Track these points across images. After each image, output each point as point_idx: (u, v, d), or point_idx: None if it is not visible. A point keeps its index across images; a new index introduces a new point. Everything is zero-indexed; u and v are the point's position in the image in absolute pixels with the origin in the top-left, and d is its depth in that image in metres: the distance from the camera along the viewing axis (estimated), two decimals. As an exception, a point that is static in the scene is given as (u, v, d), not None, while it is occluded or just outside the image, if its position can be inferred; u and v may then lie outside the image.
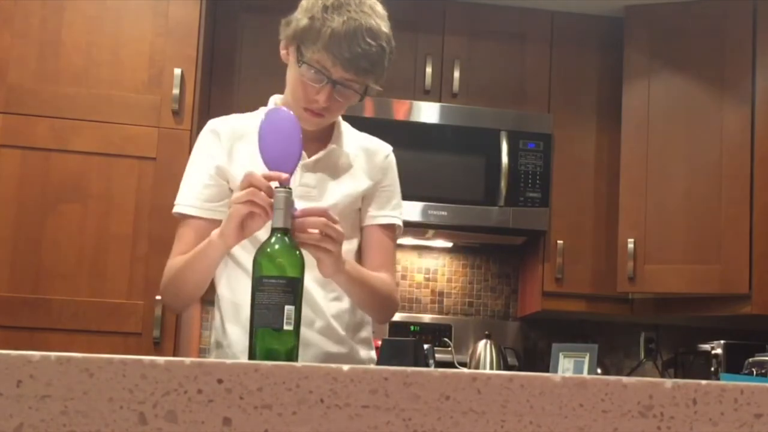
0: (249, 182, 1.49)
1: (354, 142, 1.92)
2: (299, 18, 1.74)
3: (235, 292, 1.83)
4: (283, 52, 1.80)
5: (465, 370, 0.79)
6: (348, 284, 1.71)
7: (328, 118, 1.82)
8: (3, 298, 2.98)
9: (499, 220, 3.50)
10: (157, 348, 3.02)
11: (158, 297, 3.03)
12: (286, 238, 1.40)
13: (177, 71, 3.12)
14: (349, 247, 1.83)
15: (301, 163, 1.83)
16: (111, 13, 3.15)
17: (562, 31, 3.68)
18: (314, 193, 1.82)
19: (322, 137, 1.87)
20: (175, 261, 1.80)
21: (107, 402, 0.74)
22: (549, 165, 3.56)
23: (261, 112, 1.89)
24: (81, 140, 3.07)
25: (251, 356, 1.35)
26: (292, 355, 1.36)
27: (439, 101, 3.54)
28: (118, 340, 3.01)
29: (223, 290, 1.88)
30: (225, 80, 3.47)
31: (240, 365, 0.76)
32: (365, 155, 1.91)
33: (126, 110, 3.11)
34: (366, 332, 1.90)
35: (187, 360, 0.76)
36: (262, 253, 1.38)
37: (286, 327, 1.33)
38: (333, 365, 0.79)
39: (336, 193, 1.84)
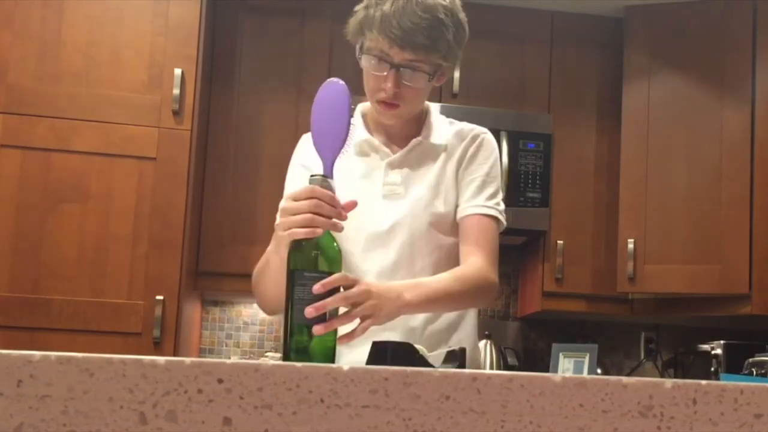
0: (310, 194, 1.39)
1: (445, 132, 1.83)
2: (356, 12, 1.71)
3: None
4: (358, 55, 1.74)
5: (465, 370, 0.79)
6: (418, 311, 1.66)
7: (404, 109, 1.74)
8: (3, 298, 2.98)
9: (499, 220, 3.49)
10: (157, 348, 3.02)
11: (159, 297, 3.03)
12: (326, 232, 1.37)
13: (177, 71, 3.12)
14: (444, 242, 1.79)
15: (386, 161, 1.80)
16: (111, 13, 3.15)
17: (562, 31, 3.68)
18: (400, 190, 1.78)
19: (411, 132, 1.81)
20: (257, 266, 1.72)
21: (107, 402, 0.74)
22: (549, 165, 3.56)
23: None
24: (81, 140, 3.07)
25: (289, 352, 1.31)
26: (331, 353, 1.33)
27: (440, 101, 3.53)
28: (118, 340, 3.01)
29: None
30: (225, 80, 3.47)
31: (240, 365, 0.76)
32: (456, 142, 1.82)
33: (126, 110, 3.11)
34: (457, 335, 1.81)
35: (187, 360, 0.76)
36: (299, 247, 1.35)
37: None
38: (333, 365, 0.79)
39: (422, 187, 1.79)
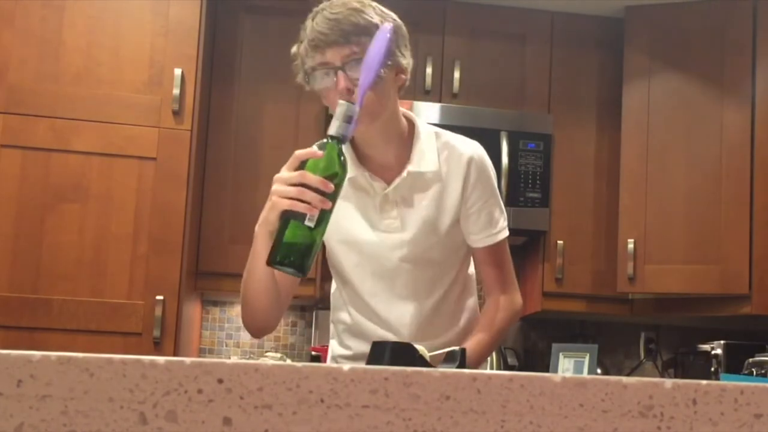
0: (300, 179, 1.49)
1: (435, 155, 1.80)
2: (294, 57, 1.76)
3: (354, 315, 1.85)
4: (311, 85, 1.74)
5: (465, 370, 0.79)
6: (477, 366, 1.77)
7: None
8: (3, 298, 2.98)
9: (499, 220, 3.50)
10: (157, 348, 3.02)
11: (159, 297, 3.03)
12: (337, 147, 1.50)
13: (177, 71, 3.12)
14: (447, 274, 1.88)
15: (381, 194, 1.78)
16: (111, 13, 3.15)
17: (562, 31, 3.68)
18: (396, 224, 1.79)
19: (402, 159, 1.79)
20: (243, 280, 1.75)
21: (107, 402, 0.74)
22: (549, 165, 3.56)
23: None
24: (81, 140, 3.07)
25: (276, 242, 1.49)
26: (311, 250, 1.48)
27: (440, 101, 3.54)
28: (118, 340, 3.01)
29: (342, 315, 1.89)
30: (225, 80, 3.47)
31: (240, 365, 0.76)
32: (451, 169, 1.80)
33: (126, 110, 3.11)
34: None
35: (188, 360, 0.76)
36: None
37: (307, 222, 1.47)
38: (334, 365, 0.79)
39: (419, 221, 1.79)
